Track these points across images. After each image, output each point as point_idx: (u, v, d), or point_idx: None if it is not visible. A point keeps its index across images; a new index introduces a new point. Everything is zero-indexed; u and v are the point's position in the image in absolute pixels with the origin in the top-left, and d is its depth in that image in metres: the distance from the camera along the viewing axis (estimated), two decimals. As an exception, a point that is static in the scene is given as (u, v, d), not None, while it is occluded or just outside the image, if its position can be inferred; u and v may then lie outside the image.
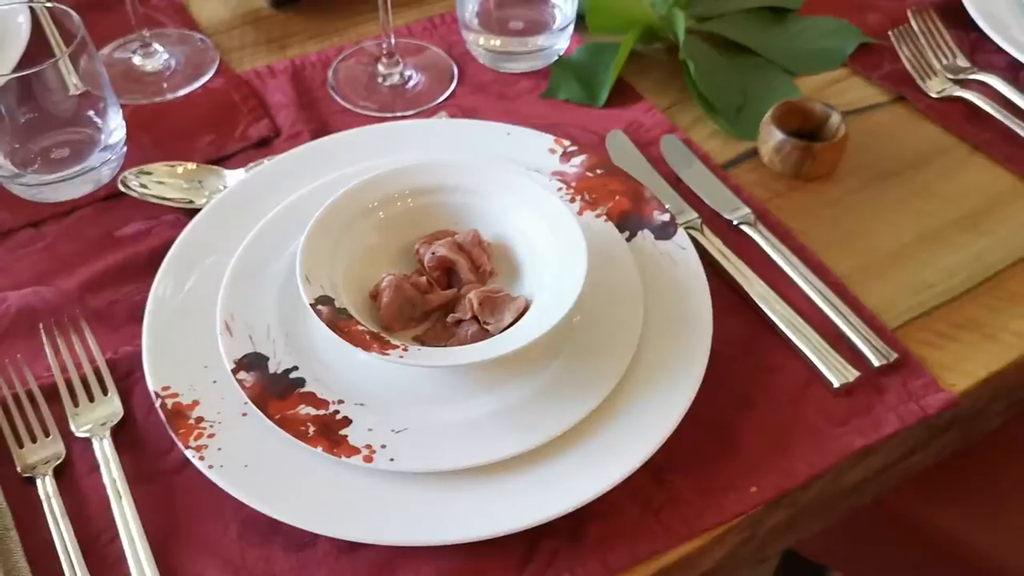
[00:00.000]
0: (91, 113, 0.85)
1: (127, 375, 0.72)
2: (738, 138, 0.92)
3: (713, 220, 0.83)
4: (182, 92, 0.97)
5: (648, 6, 0.99)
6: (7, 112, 0.82)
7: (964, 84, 0.97)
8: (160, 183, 0.84)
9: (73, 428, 0.68)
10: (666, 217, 0.79)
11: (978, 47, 1.01)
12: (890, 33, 1.01)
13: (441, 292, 0.73)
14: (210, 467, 0.64)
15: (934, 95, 0.96)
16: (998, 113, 0.93)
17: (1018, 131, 0.91)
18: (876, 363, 0.72)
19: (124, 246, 0.81)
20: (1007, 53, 0.97)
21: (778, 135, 0.87)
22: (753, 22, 1.05)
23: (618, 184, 0.81)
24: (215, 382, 0.69)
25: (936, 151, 0.91)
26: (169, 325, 0.72)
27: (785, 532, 0.70)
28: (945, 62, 0.99)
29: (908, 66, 0.98)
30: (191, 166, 0.86)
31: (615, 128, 0.92)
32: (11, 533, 0.63)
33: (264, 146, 0.91)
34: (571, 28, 1.00)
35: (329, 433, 0.65)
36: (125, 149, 0.87)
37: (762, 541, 0.69)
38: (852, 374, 0.71)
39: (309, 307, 0.66)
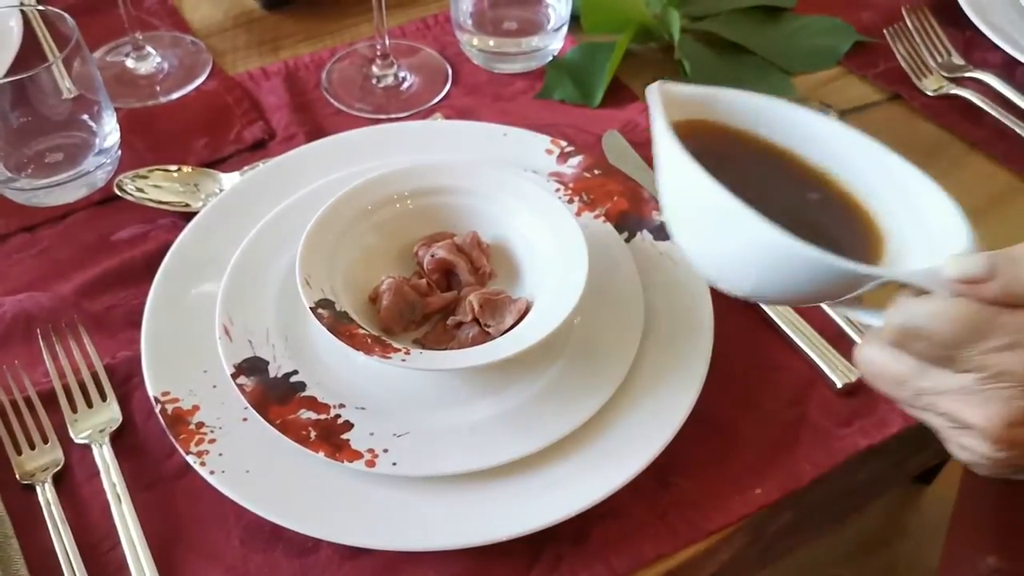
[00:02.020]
0: (85, 117, 0.84)
1: (126, 380, 0.72)
2: (735, 137, 0.92)
3: (711, 220, 0.83)
4: (175, 95, 0.96)
5: (643, 5, 0.99)
6: (0, 116, 0.81)
7: (960, 82, 0.97)
8: (156, 187, 0.84)
9: (72, 434, 0.68)
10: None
11: (973, 45, 1.01)
12: (885, 31, 1.01)
13: (441, 295, 0.72)
14: (211, 473, 0.63)
15: (930, 93, 0.96)
16: (994, 111, 0.93)
17: (1015, 129, 0.91)
18: (878, 362, 0.72)
19: (120, 250, 0.81)
20: (1002, 50, 0.97)
21: (775, 134, 0.86)
22: (747, 21, 1.05)
23: (616, 184, 0.81)
24: (215, 387, 0.68)
25: (933, 149, 0.91)
26: (167, 330, 0.71)
27: (791, 534, 0.70)
28: (940, 60, 0.99)
29: (903, 64, 0.98)
30: (187, 169, 0.86)
31: (611, 128, 0.91)
32: (11, 541, 0.63)
33: (259, 148, 0.91)
34: (565, 28, 1.00)
35: (331, 438, 0.64)
36: (119, 153, 0.86)
37: (768, 543, 0.69)
38: (854, 374, 0.71)
39: (310, 311, 0.66)
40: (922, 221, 0.53)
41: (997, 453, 0.49)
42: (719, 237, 0.53)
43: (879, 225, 0.56)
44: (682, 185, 0.53)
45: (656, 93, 0.55)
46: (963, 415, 0.49)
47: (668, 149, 0.53)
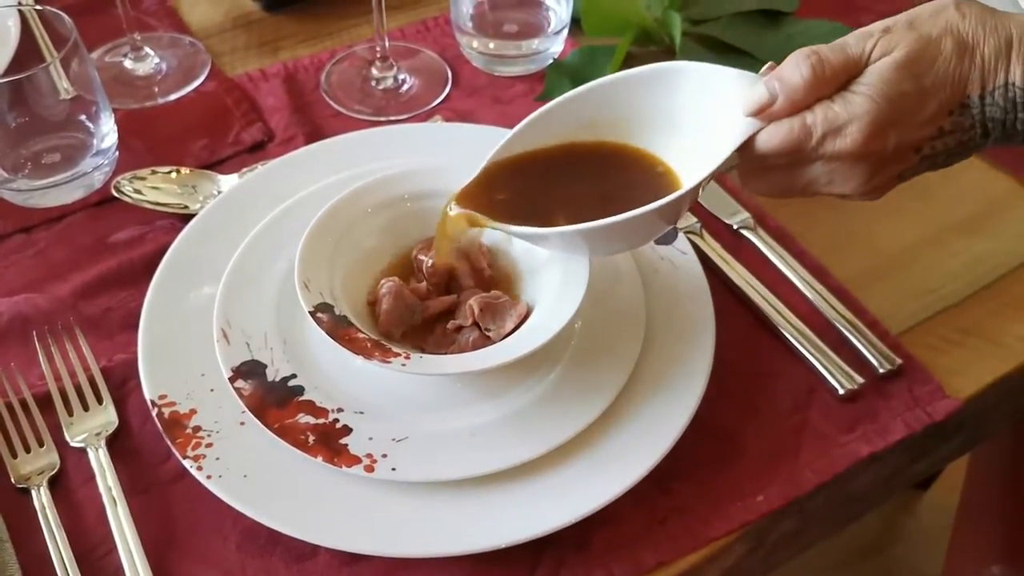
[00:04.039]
0: (83, 117, 0.83)
1: (122, 383, 0.71)
2: (736, 142, 0.91)
3: (712, 224, 0.83)
4: (174, 96, 0.96)
5: (643, 8, 0.98)
6: (-3, 116, 0.80)
7: (961, 87, 0.96)
8: (154, 188, 0.83)
9: (68, 438, 0.67)
10: (666, 222, 0.78)
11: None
12: (886, 36, 1.01)
13: (441, 298, 0.72)
14: (208, 477, 0.63)
15: (931, 98, 0.95)
16: (995, 116, 0.92)
17: (1016, 134, 0.91)
18: (880, 369, 0.72)
19: (117, 252, 0.80)
20: (1003, 56, 0.97)
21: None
22: (748, 24, 1.04)
23: (617, 188, 0.81)
24: (212, 390, 0.68)
25: (933, 155, 0.91)
26: (165, 332, 0.71)
27: (793, 541, 0.70)
28: (941, 65, 0.98)
29: (905, 69, 0.98)
30: (185, 171, 0.85)
31: (612, 132, 0.91)
32: (6, 545, 0.62)
33: (258, 150, 0.90)
34: (566, 31, 1.00)
35: (329, 442, 0.64)
36: (117, 154, 0.86)
37: (769, 551, 0.68)
38: (857, 380, 0.71)
39: (309, 315, 0.65)
40: (721, 105, 0.62)
41: (875, 196, 0.62)
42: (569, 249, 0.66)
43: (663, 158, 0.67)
44: (537, 241, 0.66)
45: (460, 216, 0.66)
46: (838, 191, 0.61)
47: (505, 231, 0.64)
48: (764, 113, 0.60)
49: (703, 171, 0.60)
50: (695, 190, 0.60)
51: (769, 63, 0.62)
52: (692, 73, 0.64)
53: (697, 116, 0.64)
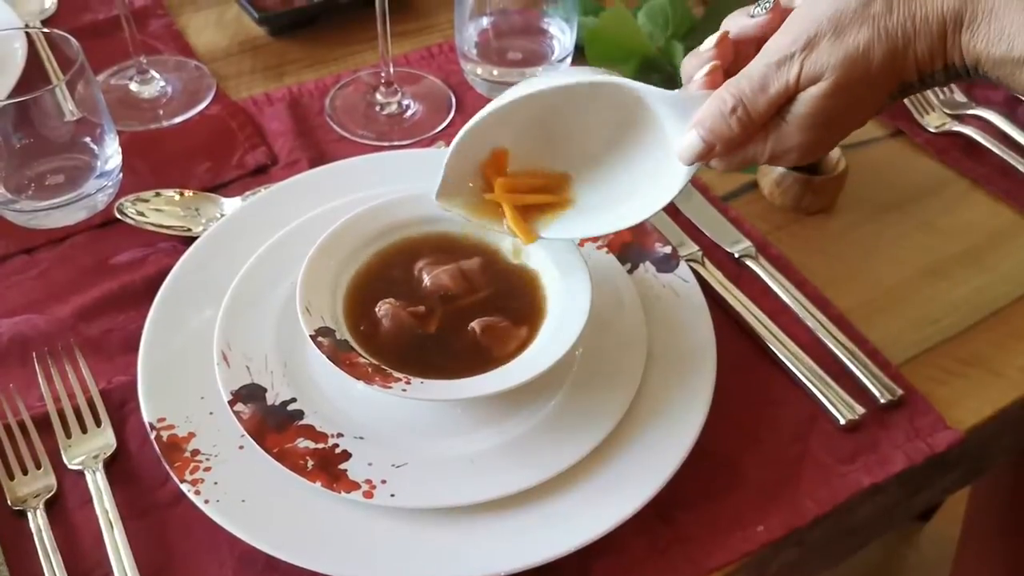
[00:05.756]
0: (87, 139, 0.84)
1: (121, 406, 0.71)
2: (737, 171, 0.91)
3: (714, 252, 0.83)
4: (178, 119, 0.96)
5: (646, 38, 0.99)
6: (2, 138, 0.81)
7: (962, 119, 0.97)
8: (157, 211, 0.83)
9: (65, 460, 0.67)
10: (667, 249, 0.78)
11: (975, 82, 1.01)
12: (888, 67, 1.01)
13: (441, 322, 0.71)
14: (206, 502, 0.63)
15: (932, 130, 0.96)
16: (996, 148, 0.93)
17: (1016, 166, 0.91)
18: (881, 399, 0.71)
19: (119, 274, 0.80)
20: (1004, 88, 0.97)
21: (777, 168, 0.86)
22: (751, 55, 1.05)
23: (619, 216, 0.81)
24: (212, 414, 0.67)
25: (936, 185, 0.91)
26: (165, 355, 0.71)
27: (793, 572, 0.69)
28: (943, 97, 0.99)
29: (905, 100, 0.98)
30: (188, 193, 0.85)
31: (615, 159, 0.91)
32: (1, 568, 0.62)
33: (261, 174, 0.90)
34: (569, 59, 1.00)
35: (328, 467, 0.64)
36: (121, 176, 0.86)
37: (769, 581, 0.68)
38: (857, 411, 0.70)
39: (310, 339, 0.65)
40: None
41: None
42: None
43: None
44: None
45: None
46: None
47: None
48: (705, 158, 0.60)
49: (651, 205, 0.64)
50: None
51: (705, 58, 0.61)
52: (625, 89, 0.63)
53: (635, 134, 0.65)
